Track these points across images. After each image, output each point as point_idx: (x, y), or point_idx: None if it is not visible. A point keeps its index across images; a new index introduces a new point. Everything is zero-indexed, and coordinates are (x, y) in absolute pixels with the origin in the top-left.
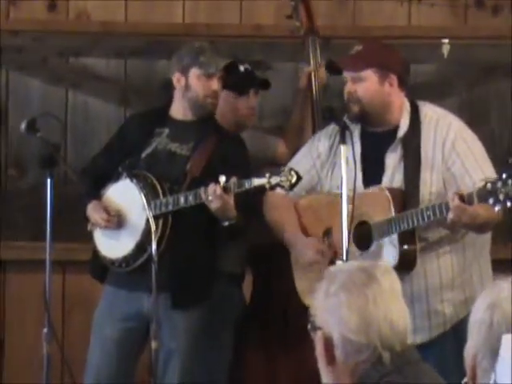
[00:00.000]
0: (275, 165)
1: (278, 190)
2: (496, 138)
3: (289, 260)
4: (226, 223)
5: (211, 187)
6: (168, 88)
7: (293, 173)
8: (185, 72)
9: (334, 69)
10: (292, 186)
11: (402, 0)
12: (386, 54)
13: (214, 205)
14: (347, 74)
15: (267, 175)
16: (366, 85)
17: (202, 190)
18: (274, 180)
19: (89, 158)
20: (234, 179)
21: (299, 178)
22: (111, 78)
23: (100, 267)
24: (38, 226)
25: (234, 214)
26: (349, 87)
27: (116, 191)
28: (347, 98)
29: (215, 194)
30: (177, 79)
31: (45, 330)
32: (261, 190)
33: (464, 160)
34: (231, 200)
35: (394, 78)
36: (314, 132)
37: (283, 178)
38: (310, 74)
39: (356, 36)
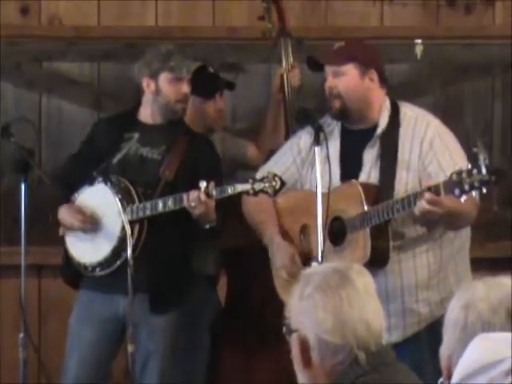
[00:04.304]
0: (247, 168)
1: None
2: (470, 137)
3: (265, 261)
4: (207, 226)
5: (193, 193)
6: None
7: (277, 179)
8: (154, 76)
9: (314, 64)
10: (276, 192)
11: (374, 0)
12: (367, 50)
13: (197, 211)
14: (328, 69)
15: (250, 181)
16: (346, 79)
17: (184, 196)
18: (258, 186)
19: (63, 162)
20: (212, 184)
21: (283, 183)
22: (85, 82)
23: (72, 272)
24: (12, 230)
25: (215, 217)
26: (329, 82)
27: (90, 195)
28: (328, 93)
29: (199, 201)
30: (146, 84)
31: (21, 334)
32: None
33: (440, 159)
34: (213, 204)
35: (374, 74)
36: (287, 134)
37: (267, 184)
38: (282, 76)
39: (328, 37)
